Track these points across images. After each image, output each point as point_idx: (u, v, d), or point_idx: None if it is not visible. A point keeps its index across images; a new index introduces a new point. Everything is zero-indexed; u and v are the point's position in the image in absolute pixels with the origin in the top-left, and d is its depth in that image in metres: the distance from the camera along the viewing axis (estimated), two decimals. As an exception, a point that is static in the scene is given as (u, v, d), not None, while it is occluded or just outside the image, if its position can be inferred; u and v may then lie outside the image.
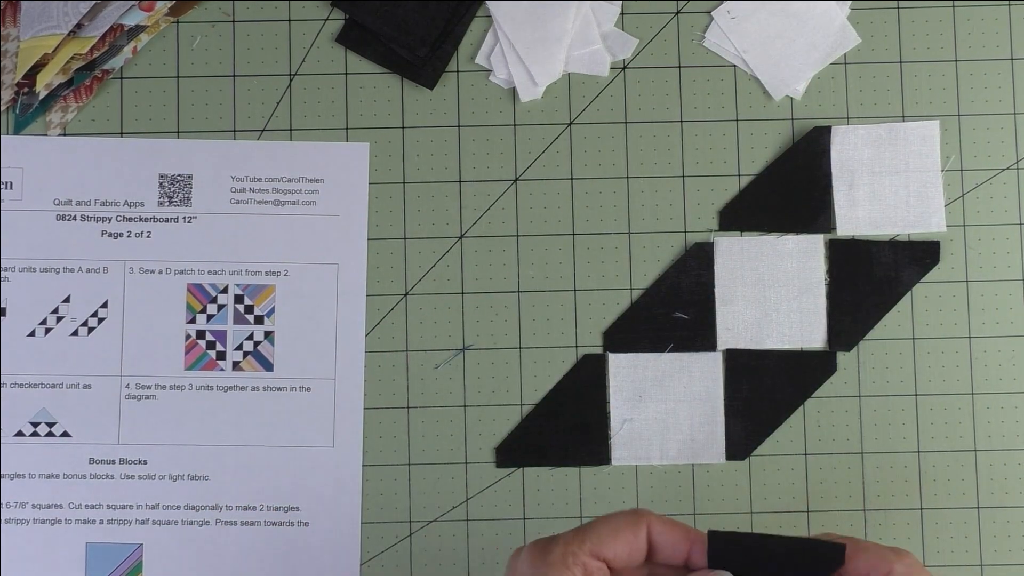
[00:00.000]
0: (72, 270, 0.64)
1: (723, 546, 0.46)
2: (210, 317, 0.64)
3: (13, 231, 0.65)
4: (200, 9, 0.66)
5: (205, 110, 0.66)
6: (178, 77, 0.66)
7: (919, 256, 0.65)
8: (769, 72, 0.66)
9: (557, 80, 0.66)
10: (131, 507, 0.64)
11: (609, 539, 0.45)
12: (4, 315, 0.64)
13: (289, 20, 0.66)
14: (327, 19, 0.66)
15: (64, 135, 0.65)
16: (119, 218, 0.65)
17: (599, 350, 0.65)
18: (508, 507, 0.64)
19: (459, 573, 0.64)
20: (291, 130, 0.66)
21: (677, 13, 0.66)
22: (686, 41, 0.66)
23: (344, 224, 0.65)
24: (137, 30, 0.65)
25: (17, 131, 0.65)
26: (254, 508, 0.64)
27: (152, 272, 0.65)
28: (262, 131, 0.66)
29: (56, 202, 0.65)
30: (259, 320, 0.64)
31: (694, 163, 0.66)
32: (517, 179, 0.66)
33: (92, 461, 0.64)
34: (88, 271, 0.64)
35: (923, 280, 0.65)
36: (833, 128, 0.66)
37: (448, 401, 0.65)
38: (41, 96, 0.64)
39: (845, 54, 0.66)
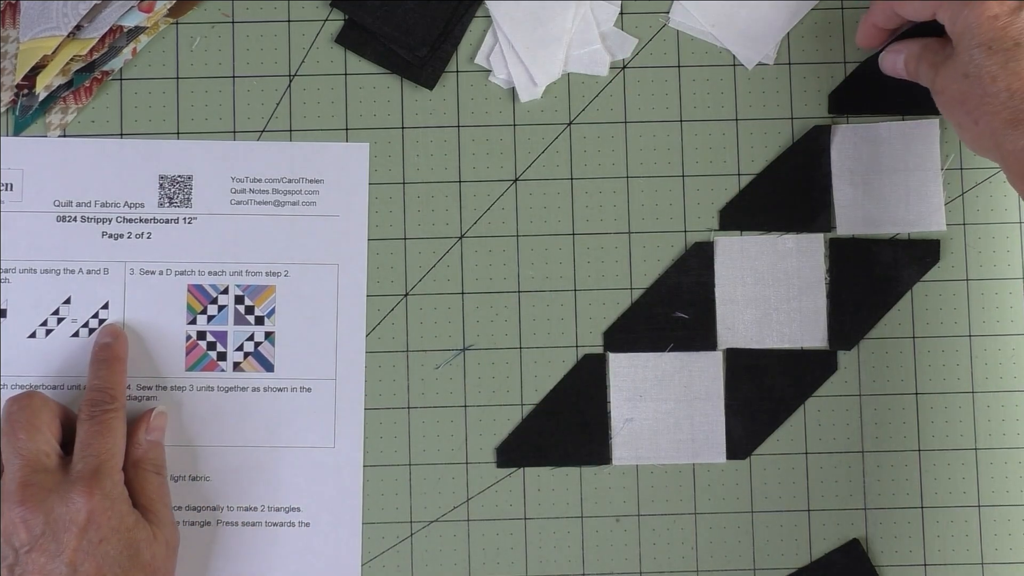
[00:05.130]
0: (72, 271, 0.64)
1: None
2: (211, 318, 0.64)
3: (13, 232, 0.65)
4: (199, 10, 0.66)
5: (205, 111, 0.66)
6: (178, 78, 0.66)
7: (919, 255, 0.65)
8: (739, 42, 0.66)
9: (557, 80, 0.66)
10: (132, 508, 0.64)
11: None
12: (4, 316, 0.64)
13: (289, 20, 0.66)
14: (327, 19, 0.66)
15: (64, 136, 0.65)
16: (119, 219, 0.65)
17: (599, 350, 0.65)
18: (509, 507, 0.64)
19: (460, 573, 0.64)
20: (291, 130, 0.66)
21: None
22: (685, 41, 0.66)
23: (344, 224, 0.65)
24: (136, 31, 0.65)
25: (17, 132, 0.65)
26: (255, 508, 0.64)
27: (153, 273, 0.65)
28: (262, 131, 0.66)
29: (56, 203, 0.65)
30: (259, 321, 0.65)
31: (694, 163, 0.66)
32: (517, 179, 0.66)
33: (93, 462, 0.64)
34: (89, 272, 0.64)
35: (923, 279, 0.65)
36: (833, 127, 0.65)
37: (448, 401, 0.65)
38: (41, 97, 0.64)
39: (845, 54, 0.66)
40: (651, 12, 0.66)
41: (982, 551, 0.65)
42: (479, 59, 0.66)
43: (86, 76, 0.65)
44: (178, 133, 0.66)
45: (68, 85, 0.65)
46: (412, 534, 0.64)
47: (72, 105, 0.65)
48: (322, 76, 0.66)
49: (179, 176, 0.65)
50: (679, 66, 0.66)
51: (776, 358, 0.65)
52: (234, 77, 0.66)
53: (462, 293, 0.65)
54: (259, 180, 0.65)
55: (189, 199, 0.65)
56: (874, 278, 0.65)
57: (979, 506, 0.65)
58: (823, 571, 0.64)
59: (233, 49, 0.66)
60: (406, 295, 0.65)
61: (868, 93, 0.65)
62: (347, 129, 0.66)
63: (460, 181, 0.66)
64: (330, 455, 0.64)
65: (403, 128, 0.66)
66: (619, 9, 0.66)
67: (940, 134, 0.65)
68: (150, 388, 0.64)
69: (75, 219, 0.65)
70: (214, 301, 0.65)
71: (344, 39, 0.66)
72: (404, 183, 0.66)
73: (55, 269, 0.64)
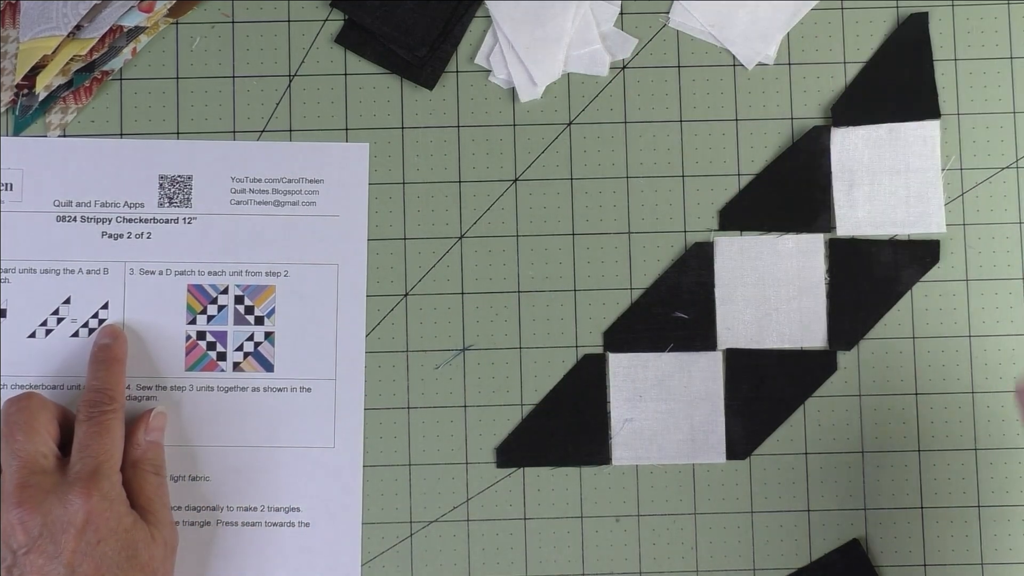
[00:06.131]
0: (72, 271, 0.64)
1: None
2: (210, 318, 0.64)
3: (13, 232, 0.65)
4: (199, 10, 0.66)
5: (205, 111, 0.66)
6: (177, 78, 0.66)
7: (919, 255, 0.65)
8: (738, 42, 0.66)
9: (557, 80, 0.66)
10: (132, 508, 0.64)
11: None
12: (4, 316, 0.64)
13: (288, 20, 0.66)
14: (327, 19, 0.66)
15: (64, 136, 0.65)
16: (119, 219, 0.65)
17: (599, 350, 0.65)
18: (508, 507, 0.64)
19: (460, 573, 0.64)
20: (291, 131, 0.66)
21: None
22: (685, 41, 0.66)
23: (344, 224, 0.65)
24: (136, 31, 0.65)
25: (17, 132, 0.65)
26: (255, 509, 0.64)
27: (152, 273, 0.65)
28: (262, 131, 0.66)
29: (56, 203, 0.65)
30: (259, 321, 0.65)
31: (694, 163, 0.66)
32: (517, 179, 0.66)
33: (93, 462, 0.64)
34: (88, 272, 0.64)
35: (923, 279, 0.65)
36: (833, 128, 0.66)
37: (448, 401, 0.65)
38: (41, 97, 0.64)
39: (845, 55, 0.66)
40: (651, 12, 0.66)
41: (982, 551, 0.65)
42: (479, 59, 0.66)
43: (86, 76, 0.65)
44: (178, 133, 0.66)
45: (68, 85, 0.65)
46: (412, 534, 0.64)
47: (72, 105, 0.65)
48: (322, 76, 0.66)
49: (179, 176, 0.65)
50: (679, 66, 0.66)
51: (776, 358, 0.65)
52: (234, 77, 0.66)
53: (462, 293, 0.65)
54: (259, 180, 0.65)
55: (189, 199, 0.65)
56: (874, 278, 0.65)
57: (979, 506, 0.65)
58: (823, 571, 0.64)
59: (233, 49, 0.66)
60: (406, 295, 0.65)
61: (869, 103, 0.65)
62: (347, 129, 0.66)
63: (460, 181, 0.66)
64: (330, 455, 0.64)
65: (403, 128, 0.66)
66: (619, 9, 0.66)
67: (940, 135, 0.65)
68: (150, 388, 0.64)
69: (75, 219, 0.65)
70: (214, 301, 0.65)
71: (344, 39, 0.66)
72: (404, 183, 0.66)
73: (55, 269, 0.64)
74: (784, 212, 0.65)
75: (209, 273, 0.65)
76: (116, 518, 0.57)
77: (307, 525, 0.64)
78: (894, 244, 0.65)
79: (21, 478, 0.56)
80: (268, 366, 0.64)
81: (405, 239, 0.65)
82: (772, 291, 0.65)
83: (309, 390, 0.64)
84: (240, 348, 0.64)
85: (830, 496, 0.65)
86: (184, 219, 0.65)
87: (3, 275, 0.64)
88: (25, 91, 0.64)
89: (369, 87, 0.66)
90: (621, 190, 0.66)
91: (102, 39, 0.64)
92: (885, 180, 0.65)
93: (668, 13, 0.66)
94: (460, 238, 0.66)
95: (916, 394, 0.65)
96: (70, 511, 0.56)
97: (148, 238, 0.65)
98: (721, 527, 0.65)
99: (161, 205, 0.65)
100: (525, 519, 0.64)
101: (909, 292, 0.65)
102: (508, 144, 0.66)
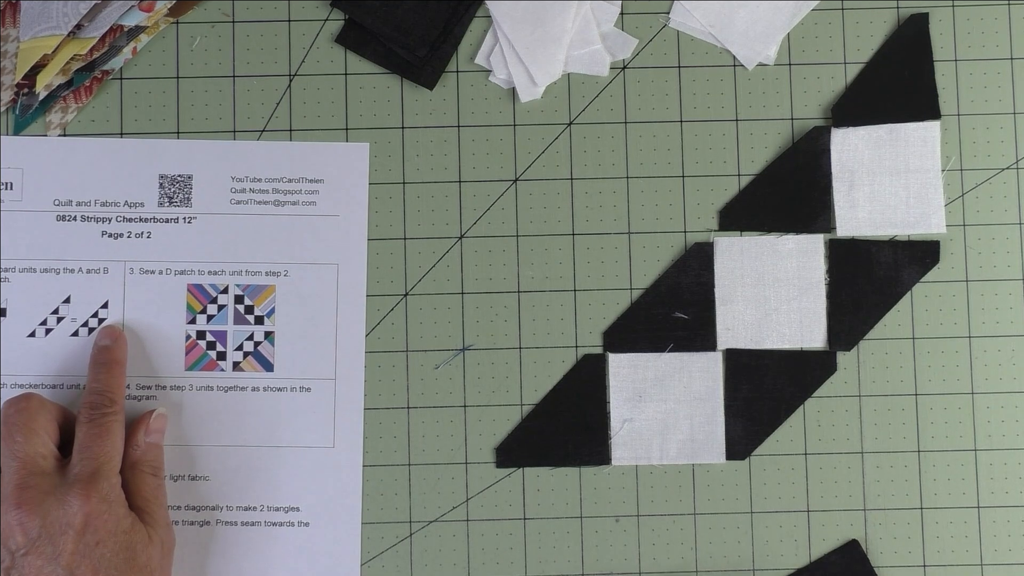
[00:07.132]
0: (72, 271, 0.64)
1: None
2: (210, 317, 0.64)
3: (13, 232, 0.65)
4: (200, 9, 0.66)
5: (205, 110, 0.66)
6: (178, 77, 0.66)
7: (919, 256, 0.65)
8: (738, 42, 0.66)
9: (557, 80, 0.66)
10: (132, 507, 0.64)
11: None
12: (4, 316, 0.64)
13: (289, 20, 0.66)
14: (327, 19, 0.66)
15: (64, 136, 0.65)
16: (119, 218, 0.65)
17: (599, 350, 0.65)
18: (508, 507, 0.64)
19: (459, 573, 0.64)
20: (291, 130, 0.66)
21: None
22: (685, 41, 0.66)
23: (344, 224, 0.65)
24: (137, 31, 0.65)
25: (17, 132, 0.65)
26: (254, 508, 0.64)
27: (152, 272, 0.65)
28: (262, 131, 0.66)
29: (56, 203, 0.65)
30: (259, 320, 0.65)
31: (694, 163, 0.66)
32: (517, 179, 0.66)
33: (93, 462, 0.64)
34: (88, 272, 0.64)
35: (923, 280, 0.65)
36: (833, 128, 0.66)
37: (448, 401, 0.65)
38: (41, 97, 0.64)
39: (845, 55, 0.66)
40: (651, 12, 0.66)
41: (982, 552, 0.65)
42: (479, 59, 0.66)
43: (86, 75, 0.65)
44: (178, 133, 0.66)
45: (68, 84, 0.65)
46: (412, 534, 0.64)
47: (72, 104, 0.65)
48: (322, 76, 0.66)
49: (179, 176, 0.65)
50: (679, 66, 0.66)
51: (776, 359, 0.65)
52: (234, 77, 0.66)
53: (462, 293, 0.65)
54: (259, 180, 0.65)
55: (189, 199, 0.65)
56: (874, 279, 0.65)
57: (979, 507, 0.65)
58: (822, 572, 0.64)
59: (233, 49, 0.66)
60: (406, 295, 0.65)
61: (869, 103, 0.65)
62: (347, 129, 0.66)
63: (460, 181, 0.66)
64: (330, 455, 0.64)
65: (403, 128, 0.66)
66: (619, 9, 0.66)
67: (940, 136, 0.65)
68: (149, 388, 0.64)
69: (75, 218, 0.65)
70: (214, 301, 0.65)
71: (344, 39, 0.66)
72: (404, 183, 0.66)
73: (55, 268, 0.64)
74: (784, 212, 0.65)
75: (209, 273, 0.65)
76: (115, 520, 0.57)
77: (307, 525, 0.64)
78: (894, 244, 0.65)
79: (20, 479, 0.56)
80: (268, 366, 0.64)
81: (405, 239, 0.65)
82: (772, 291, 0.65)
83: (309, 390, 0.64)
84: (240, 348, 0.64)
85: (830, 496, 0.65)
86: (184, 219, 0.65)
87: (3, 275, 0.64)
88: (25, 90, 0.64)
89: (369, 87, 0.66)
90: (621, 190, 0.66)
91: (102, 38, 0.64)
92: (885, 180, 0.65)
93: (668, 13, 0.66)
94: (460, 238, 0.66)
95: (916, 394, 0.65)
96: (69, 513, 0.56)
97: (148, 238, 0.65)
98: (721, 527, 0.65)
99: (161, 205, 0.65)
100: (525, 519, 0.64)
101: (909, 292, 0.65)
102: (508, 144, 0.66)
